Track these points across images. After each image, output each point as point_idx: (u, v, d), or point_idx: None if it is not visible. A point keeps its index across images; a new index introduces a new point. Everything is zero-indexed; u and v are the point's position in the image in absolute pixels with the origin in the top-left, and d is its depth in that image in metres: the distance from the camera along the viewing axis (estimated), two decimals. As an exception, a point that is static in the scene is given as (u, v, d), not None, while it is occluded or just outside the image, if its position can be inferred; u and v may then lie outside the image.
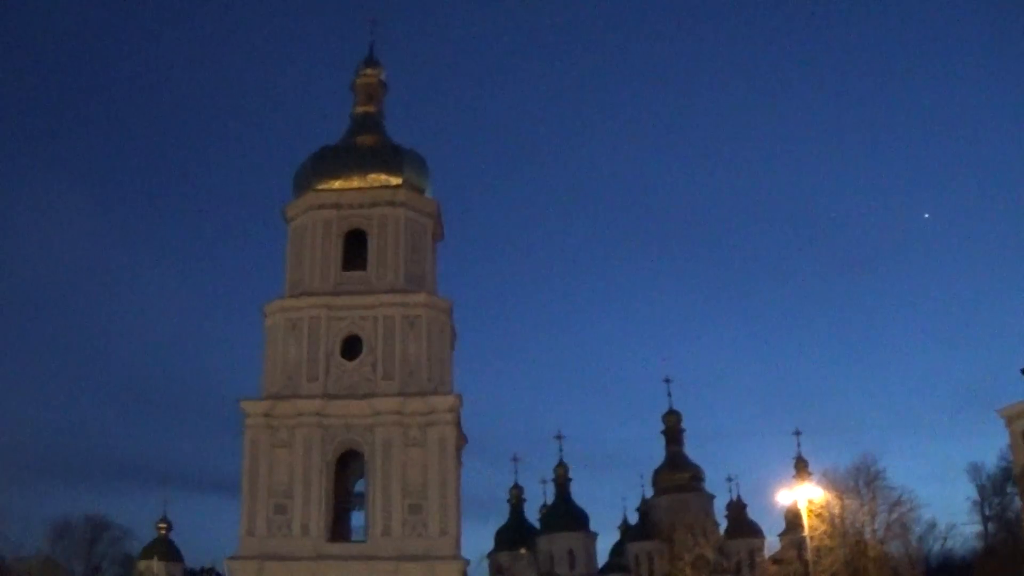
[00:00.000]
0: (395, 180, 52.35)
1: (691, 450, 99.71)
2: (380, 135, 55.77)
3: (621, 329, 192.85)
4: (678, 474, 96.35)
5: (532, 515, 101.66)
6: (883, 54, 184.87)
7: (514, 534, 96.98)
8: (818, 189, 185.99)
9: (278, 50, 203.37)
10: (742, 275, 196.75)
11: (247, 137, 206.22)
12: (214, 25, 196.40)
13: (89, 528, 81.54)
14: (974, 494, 68.96)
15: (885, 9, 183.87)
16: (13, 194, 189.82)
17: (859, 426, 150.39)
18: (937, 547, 70.35)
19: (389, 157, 53.49)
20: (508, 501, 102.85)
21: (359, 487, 49.83)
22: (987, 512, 68.53)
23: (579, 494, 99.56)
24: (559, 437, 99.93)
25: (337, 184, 52.38)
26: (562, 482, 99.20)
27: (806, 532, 47.06)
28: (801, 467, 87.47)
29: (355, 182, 52.37)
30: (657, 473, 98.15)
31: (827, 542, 57.06)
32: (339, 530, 48.27)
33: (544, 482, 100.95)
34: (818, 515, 54.73)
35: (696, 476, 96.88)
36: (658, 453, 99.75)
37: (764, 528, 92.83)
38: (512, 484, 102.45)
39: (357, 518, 49.30)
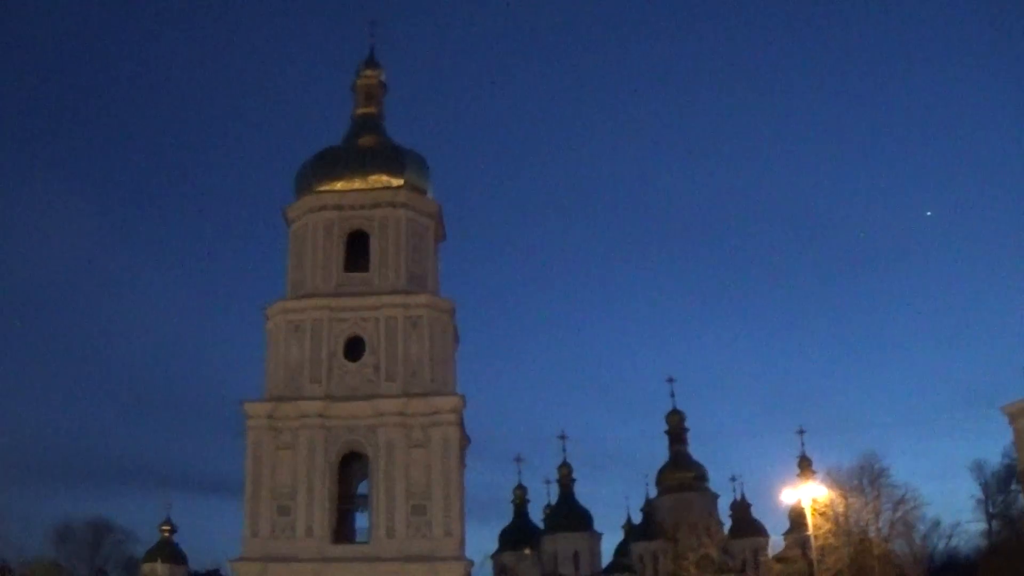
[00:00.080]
0: (396, 181, 52.35)
1: (695, 449, 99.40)
2: (381, 136, 55.80)
3: (624, 329, 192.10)
4: (682, 474, 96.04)
5: (536, 515, 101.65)
6: (883, 54, 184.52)
7: (518, 535, 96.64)
8: (818, 189, 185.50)
9: (278, 51, 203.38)
10: (744, 274, 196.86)
11: (247, 138, 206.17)
12: (214, 26, 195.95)
13: (92, 531, 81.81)
14: (978, 492, 69.20)
15: (885, 9, 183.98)
16: (13, 195, 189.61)
17: (862, 424, 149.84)
18: (941, 545, 70.63)
19: (390, 158, 53.50)
20: (512, 502, 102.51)
21: (362, 488, 49.94)
22: (991, 510, 68.60)
23: (583, 494, 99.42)
24: (562, 437, 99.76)
25: (338, 185, 52.39)
26: (566, 482, 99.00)
27: (810, 531, 47.21)
28: (805, 466, 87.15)
29: (356, 183, 52.37)
30: (661, 473, 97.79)
31: (831, 541, 57.06)
32: (343, 531, 48.26)
33: (548, 482, 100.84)
34: (822, 514, 54.73)
35: (700, 475, 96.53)
36: (661, 453, 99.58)
37: (768, 527, 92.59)
38: (516, 484, 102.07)
39: (360, 519, 49.39)
